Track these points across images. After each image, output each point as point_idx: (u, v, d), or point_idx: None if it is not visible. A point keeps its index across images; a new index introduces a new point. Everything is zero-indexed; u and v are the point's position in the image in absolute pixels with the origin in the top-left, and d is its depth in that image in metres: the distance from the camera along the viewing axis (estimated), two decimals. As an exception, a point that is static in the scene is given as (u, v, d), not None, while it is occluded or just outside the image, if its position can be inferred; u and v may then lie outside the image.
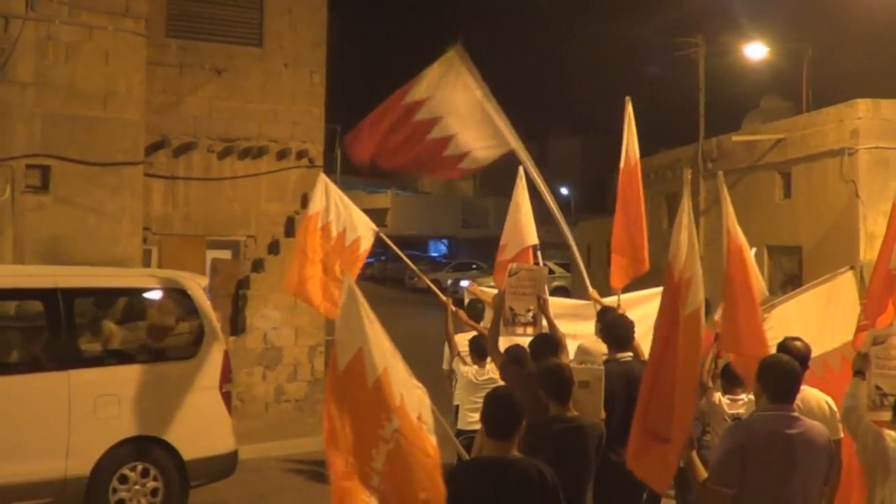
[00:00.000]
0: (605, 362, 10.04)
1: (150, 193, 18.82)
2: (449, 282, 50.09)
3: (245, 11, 20.34)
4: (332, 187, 12.49)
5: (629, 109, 13.77)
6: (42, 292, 12.65)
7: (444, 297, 13.06)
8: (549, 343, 10.30)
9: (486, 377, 12.39)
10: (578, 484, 8.00)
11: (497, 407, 6.99)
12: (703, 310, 7.66)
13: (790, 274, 22.57)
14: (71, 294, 12.71)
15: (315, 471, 16.35)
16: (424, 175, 15.66)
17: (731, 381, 9.35)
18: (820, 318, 11.77)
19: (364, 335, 6.96)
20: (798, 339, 9.17)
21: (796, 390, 7.20)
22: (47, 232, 16.28)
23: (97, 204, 16.72)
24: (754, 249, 11.06)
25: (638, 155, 13.66)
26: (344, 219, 12.22)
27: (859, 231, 19.55)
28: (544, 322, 11.31)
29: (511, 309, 11.28)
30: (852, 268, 12.38)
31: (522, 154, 13.13)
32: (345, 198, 12.52)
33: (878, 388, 8.17)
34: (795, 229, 22.19)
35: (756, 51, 36.27)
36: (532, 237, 14.13)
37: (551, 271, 41.56)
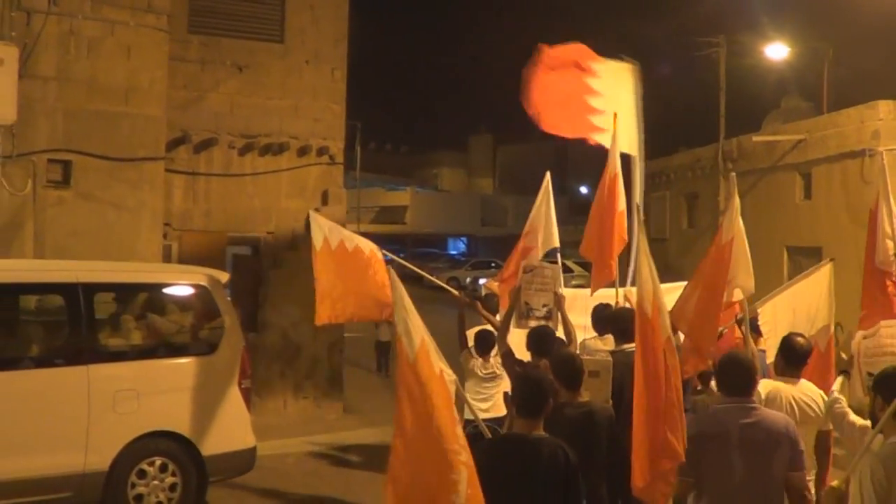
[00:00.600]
0: (613, 353, 10.47)
1: (171, 189, 18.87)
2: (468, 280, 50.12)
3: (267, 7, 20.37)
4: (324, 220, 13.19)
5: (615, 124, 14.43)
6: (63, 287, 12.69)
7: (456, 293, 13.74)
8: (547, 335, 10.85)
9: (489, 370, 13.14)
10: (592, 464, 8.50)
11: (528, 387, 7.56)
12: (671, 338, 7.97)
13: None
14: (91, 289, 12.75)
15: (333, 466, 16.39)
16: (565, 131, 15.35)
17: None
18: (806, 306, 12.72)
19: (421, 328, 7.28)
20: (800, 335, 9.62)
21: (752, 384, 7.68)
22: (68, 227, 16.32)
23: (118, 199, 16.76)
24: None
25: (619, 167, 14.14)
26: (349, 236, 12.76)
27: (880, 232, 19.48)
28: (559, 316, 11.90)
29: (526, 303, 11.91)
30: (832, 260, 13.00)
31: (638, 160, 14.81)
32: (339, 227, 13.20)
33: (869, 374, 8.84)
34: (815, 230, 22.13)
35: (777, 51, 36.18)
36: (554, 240, 14.61)
37: (570, 269, 41.72)
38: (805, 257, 22.85)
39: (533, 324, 11.69)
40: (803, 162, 23.04)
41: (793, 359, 9.18)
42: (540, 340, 10.66)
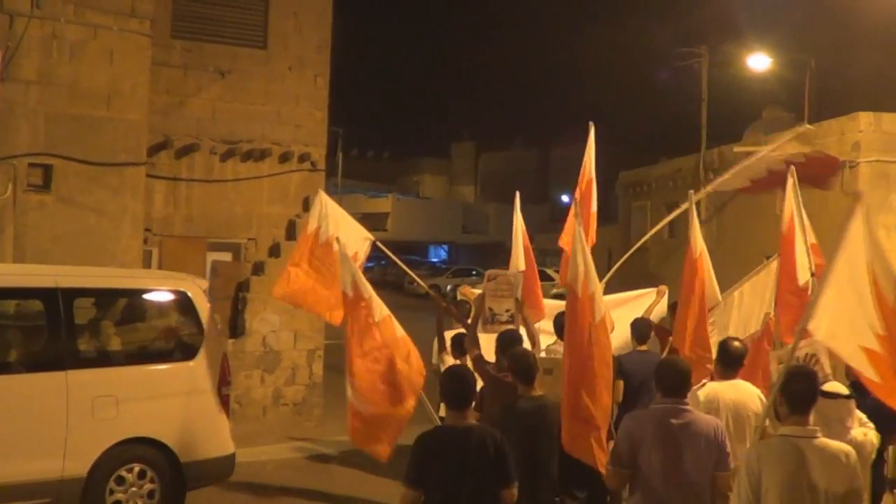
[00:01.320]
0: (630, 353, 12.49)
1: (152, 194, 18.83)
2: (449, 287, 50.10)
3: (250, 13, 20.37)
4: (331, 202, 13.26)
5: (592, 134, 14.93)
6: (42, 292, 12.63)
7: (434, 295, 14.51)
8: (515, 338, 11.48)
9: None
10: (543, 451, 9.56)
11: (454, 382, 8.37)
12: (608, 317, 8.95)
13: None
14: (71, 294, 12.69)
15: (313, 475, 16.36)
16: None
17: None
18: (750, 303, 13.32)
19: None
20: (736, 339, 10.42)
21: (686, 387, 8.27)
22: (48, 231, 16.28)
23: (98, 204, 16.73)
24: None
25: (593, 174, 14.75)
26: (343, 234, 12.43)
27: (860, 244, 19.53)
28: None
29: (490, 309, 12.90)
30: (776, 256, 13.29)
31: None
32: (340, 211, 13.35)
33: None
34: (796, 241, 22.18)
35: (759, 62, 36.28)
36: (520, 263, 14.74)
37: (551, 278, 41.71)
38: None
39: (496, 328, 12.42)
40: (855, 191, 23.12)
41: (728, 362, 9.77)
42: (507, 343, 11.20)
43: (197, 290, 13.60)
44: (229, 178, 20.00)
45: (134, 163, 17.21)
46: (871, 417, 9.19)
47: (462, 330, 13.56)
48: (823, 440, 7.02)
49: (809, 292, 11.26)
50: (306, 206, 20.60)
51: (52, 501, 12.27)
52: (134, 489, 12.67)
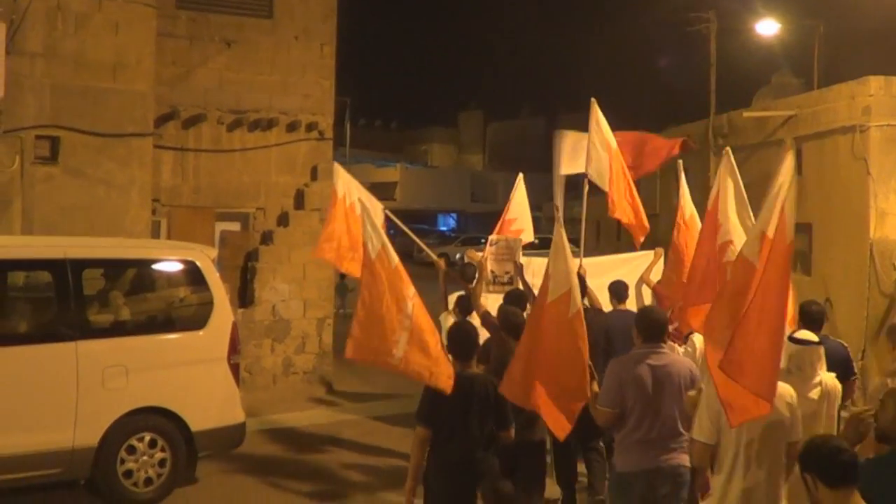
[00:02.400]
0: (611, 312, 13.51)
1: (160, 165, 18.81)
2: (458, 255, 49.97)
3: (255, -17, 20.31)
4: (346, 173, 14.12)
5: (595, 109, 15.04)
6: (51, 263, 12.65)
7: (435, 258, 15.28)
8: (520, 296, 12.75)
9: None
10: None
11: (460, 335, 9.69)
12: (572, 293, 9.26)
13: (799, 250, 22.49)
14: (79, 265, 12.70)
15: (323, 444, 16.39)
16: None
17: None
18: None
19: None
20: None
21: (662, 334, 9.26)
22: (56, 203, 16.29)
23: (106, 175, 16.73)
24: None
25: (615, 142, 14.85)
26: (362, 199, 12.75)
27: (870, 208, 19.44)
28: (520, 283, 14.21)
29: (493, 272, 14.41)
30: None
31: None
32: (356, 182, 14.15)
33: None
34: (805, 206, 22.06)
35: (767, 27, 36.13)
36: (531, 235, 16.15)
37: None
38: (795, 233, 22.80)
39: (498, 289, 13.93)
40: (794, 138, 22.99)
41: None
42: (514, 300, 12.39)
43: (206, 260, 13.60)
44: (237, 147, 19.98)
45: (141, 134, 17.20)
46: None
47: (463, 293, 14.11)
48: (779, 384, 7.95)
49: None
50: (314, 175, 20.59)
51: (64, 471, 12.35)
52: (145, 458, 12.71)
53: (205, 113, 19.46)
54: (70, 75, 16.54)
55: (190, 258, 13.57)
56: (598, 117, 14.98)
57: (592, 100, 14.97)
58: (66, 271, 12.48)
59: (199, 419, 13.06)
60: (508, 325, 11.17)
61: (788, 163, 8.52)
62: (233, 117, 19.79)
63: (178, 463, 12.98)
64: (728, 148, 12.77)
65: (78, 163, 16.53)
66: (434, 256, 15.51)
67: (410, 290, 9.83)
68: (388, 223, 14.77)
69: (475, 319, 12.62)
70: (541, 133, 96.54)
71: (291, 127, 20.40)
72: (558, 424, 9.25)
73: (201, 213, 19.53)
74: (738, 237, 11.22)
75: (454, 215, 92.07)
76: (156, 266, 14.12)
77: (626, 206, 14.55)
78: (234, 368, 13.54)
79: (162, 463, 12.85)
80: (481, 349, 11.24)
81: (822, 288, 20.74)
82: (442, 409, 9.20)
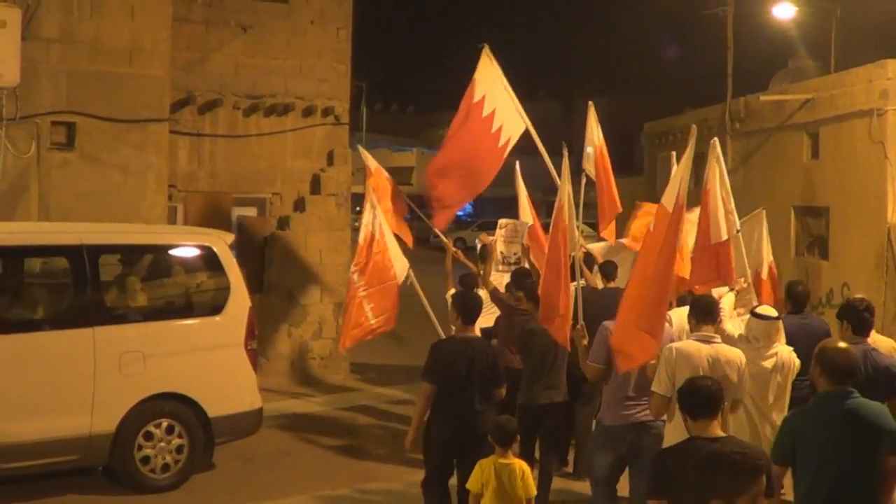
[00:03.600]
0: (603, 290, 14.29)
1: (176, 150, 18.79)
2: (479, 244, 49.52)
3: (270, -33, 20.26)
4: (369, 156, 15.57)
5: (592, 111, 15.76)
6: (68, 249, 12.67)
7: (445, 240, 16.17)
8: (525, 273, 13.99)
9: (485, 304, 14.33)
10: (558, 364, 12.08)
11: (466, 302, 11.16)
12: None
13: (817, 235, 22.42)
14: (96, 251, 12.73)
15: (339, 430, 16.41)
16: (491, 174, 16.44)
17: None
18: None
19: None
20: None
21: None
22: (73, 189, 16.29)
23: (122, 161, 16.73)
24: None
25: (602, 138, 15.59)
26: (391, 242, 14.65)
27: (887, 192, 19.34)
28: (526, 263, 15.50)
29: (502, 253, 15.79)
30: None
31: (534, 134, 15.29)
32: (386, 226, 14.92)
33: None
34: (823, 190, 22.00)
35: (784, 10, 35.94)
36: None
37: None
38: (813, 217, 22.73)
39: (507, 269, 15.27)
40: (811, 121, 22.84)
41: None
42: (520, 277, 13.77)
43: (222, 245, 13.62)
44: (253, 133, 19.94)
45: (157, 119, 17.18)
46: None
47: (467, 272, 15.71)
48: (722, 345, 9.58)
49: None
50: (330, 160, 20.57)
51: (81, 458, 12.40)
52: (162, 444, 12.76)
53: (221, 98, 19.43)
54: (86, 61, 16.53)
55: (206, 244, 13.59)
56: (594, 119, 15.64)
57: (590, 103, 15.69)
58: (82, 257, 12.51)
59: (216, 405, 13.10)
60: (534, 295, 12.23)
61: (690, 147, 10.36)
62: (249, 102, 19.77)
63: (195, 449, 13.02)
64: (715, 139, 13.14)
65: (94, 149, 16.53)
66: (444, 238, 16.23)
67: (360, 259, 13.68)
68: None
69: (484, 294, 13.99)
70: (556, 116, 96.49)
71: (307, 112, 20.37)
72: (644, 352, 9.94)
73: (217, 199, 19.53)
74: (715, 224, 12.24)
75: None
76: (172, 252, 14.13)
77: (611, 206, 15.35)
78: (251, 354, 13.57)
79: (179, 449, 12.89)
80: (494, 324, 14.08)
81: (840, 272, 20.68)
82: (446, 367, 10.46)
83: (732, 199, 12.88)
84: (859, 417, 7.52)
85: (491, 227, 17.15)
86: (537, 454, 12.15)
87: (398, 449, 14.61)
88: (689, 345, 9.53)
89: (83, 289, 12.61)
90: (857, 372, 8.04)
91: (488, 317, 13.78)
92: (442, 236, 16.29)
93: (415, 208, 16.44)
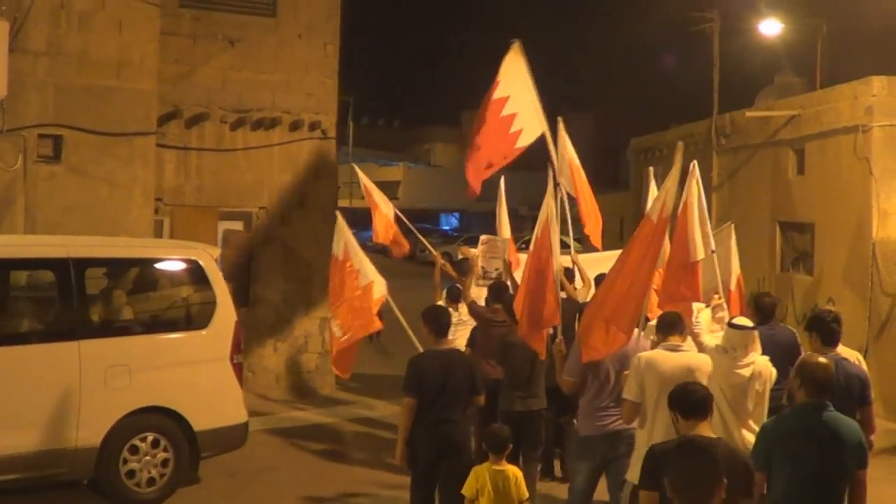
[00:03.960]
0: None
1: (163, 164, 18.79)
2: (460, 256, 49.71)
3: (258, -19, 20.27)
4: (346, 228, 14.37)
5: (562, 129, 15.21)
6: (53, 262, 12.66)
7: (436, 253, 17.21)
8: (502, 287, 14.45)
9: (457, 318, 15.31)
10: (536, 373, 12.65)
11: (436, 316, 11.32)
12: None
13: (802, 250, 22.51)
14: (82, 264, 12.72)
15: (325, 443, 16.42)
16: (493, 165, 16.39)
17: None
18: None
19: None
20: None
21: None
22: (59, 202, 16.28)
23: (109, 174, 16.72)
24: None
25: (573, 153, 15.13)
26: (359, 260, 14.00)
27: (872, 208, 19.43)
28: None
29: (483, 268, 16.12)
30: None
31: (549, 140, 14.75)
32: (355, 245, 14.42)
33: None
34: (808, 206, 22.08)
35: (770, 27, 36.08)
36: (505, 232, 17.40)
37: (566, 245, 41.74)
38: (798, 233, 22.82)
39: (485, 283, 15.55)
40: (796, 137, 22.94)
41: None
42: (497, 291, 14.32)
43: (209, 259, 13.62)
44: (240, 147, 19.95)
45: (144, 132, 17.18)
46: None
47: (453, 285, 16.49)
48: (689, 353, 10.11)
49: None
50: (317, 174, 20.58)
51: (67, 471, 12.38)
52: (148, 458, 12.75)
53: (208, 112, 19.44)
54: (73, 74, 16.53)
55: (193, 257, 13.59)
56: (564, 135, 15.23)
57: (559, 118, 15.15)
58: (68, 270, 12.50)
59: (201, 419, 13.09)
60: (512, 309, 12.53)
61: (677, 162, 10.77)
62: (236, 116, 19.77)
63: (180, 463, 13.01)
64: (694, 162, 13.12)
65: (81, 162, 16.52)
66: (435, 252, 17.24)
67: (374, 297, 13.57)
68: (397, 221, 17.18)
69: (464, 308, 15.31)
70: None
71: (294, 126, 20.38)
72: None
73: (204, 213, 19.51)
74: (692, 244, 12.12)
75: (457, 214, 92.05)
76: (158, 265, 14.14)
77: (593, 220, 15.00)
78: (237, 368, 13.57)
79: (165, 463, 12.88)
80: (470, 335, 14.72)
81: (825, 288, 20.75)
82: (424, 379, 10.78)
83: (709, 222, 13.34)
84: (833, 431, 7.86)
85: (476, 242, 17.30)
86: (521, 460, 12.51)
87: (384, 463, 14.65)
88: (658, 354, 10.00)
89: (69, 302, 12.60)
90: (834, 386, 8.37)
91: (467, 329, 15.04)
92: (430, 247, 17.63)
93: (406, 221, 17.26)
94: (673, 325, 10.25)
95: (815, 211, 21.57)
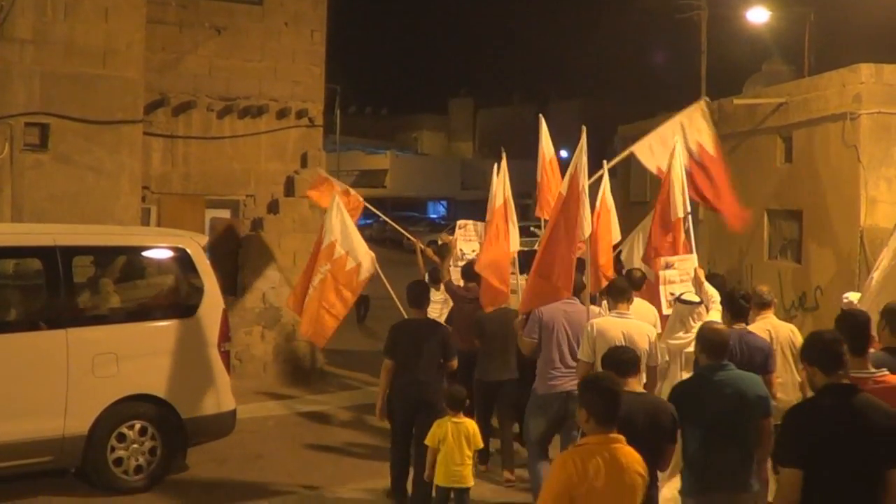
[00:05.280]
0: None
1: (150, 152, 18.75)
2: (440, 242, 49.31)
3: (244, -32, 20.22)
4: (344, 210, 15.84)
5: (544, 125, 16.66)
6: (41, 250, 12.63)
7: (414, 240, 18.91)
8: (473, 268, 15.16)
9: (438, 297, 16.52)
10: (510, 345, 13.59)
11: (417, 290, 12.95)
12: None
13: (790, 238, 22.50)
14: (70, 252, 12.68)
15: (313, 430, 16.40)
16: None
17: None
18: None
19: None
20: (638, 269, 14.29)
21: (577, 291, 12.38)
22: (46, 190, 16.25)
23: (96, 162, 16.68)
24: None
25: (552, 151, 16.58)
26: (349, 242, 15.40)
27: (860, 196, 19.42)
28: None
29: (461, 250, 17.37)
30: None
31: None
32: (349, 221, 15.82)
33: (671, 293, 12.92)
34: (796, 193, 22.06)
35: (758, 15, 36.10)
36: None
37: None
38: (785, 220, 22.80)
39: (464, 264, 16.36)
40: (784, 125, 22.91)
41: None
42: (469, 270, 15.41)
43: (196, 247, 13.59)
44: (227, 135, 19.91)
45: (131, 120, 17.14)
46: None
47: (435, 267, 17.53)
48: (634, 321, 11.36)
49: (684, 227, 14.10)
50: (304, 162, 20.56)
51: (54, 459, 12.36)
52: (135, 446, 12.73)
53: (195, 100, 19.40)
54: (59, 62, 16.48)
55: (180, 245, 13.56)
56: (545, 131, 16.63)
57: (540, 115, 16.57)
58: (55, 259, 12.46)
59: (189, 407, 13.08)
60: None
61: (582, 143, 12.31)
62: (223, 104, 19.74)
63: (168, 451, 13.01)
64: (677, 137, 15.06)
65: (67, 150, 16.48)
66: (413, 239, 19.10)
67: (324, 267, 15.09)
68: (368, 213, 18.59)
69: (441, 288, 16.66)
70: (531, 120, 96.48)
71: (281, 114, 20.35)
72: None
73: (191, 201, 19.48)
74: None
75: (444, 203, 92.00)
76: (146, 253, 14.13)
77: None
78: (225, 356, 13.57)
79: (152, 451, 12.87)
80: (448, 312, 16.31)
81: (813, 275, 20.75)
82: (400, 344, 12.31)
83: (687, 186, 14.51)
84: (735, 386, 8.73)
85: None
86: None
87: (372, 450, 14.67)
88: (606, 321, 11.38)
89: (56, 290, 12.58)
90: (729, 347, 9.21)
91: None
92: (408, 235, 19.95)
93: (381, 214, 17.53)
94: (622, 293, 11.69)
95: (802, 198, 21.57)
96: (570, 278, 11.94)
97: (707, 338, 8.99)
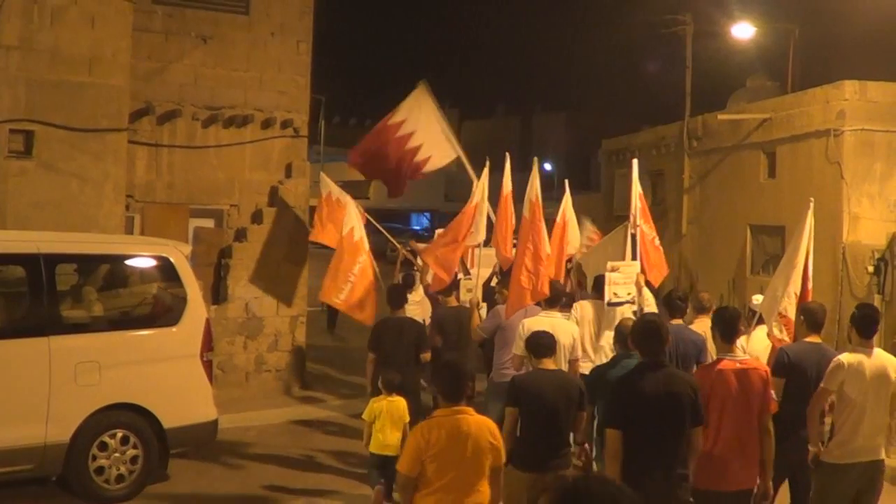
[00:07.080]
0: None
1: (134, 160, 18.71)
2: (409, 247, 49.44)
3: (232, -21, 20.21)
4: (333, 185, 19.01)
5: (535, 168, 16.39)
6: (24, 258, 12.61)
7: (402, 249, 20.36)
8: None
9: (417, 297, 18.37)
10: (464, 338, 15.45)
11: (396, 292, 14.93)
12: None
13: (773, 253, 22.57)
14: (53, 260, 12.68)
15: (295, 441, 16.39)
16: (401, 180, 17.97)
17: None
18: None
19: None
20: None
21: (556, 300, 13.83)
22: (30, 198, 16.22)
23: (80, 170, 16.66)
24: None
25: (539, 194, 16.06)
26: (350, 218, 17.57)
27: (843, 212, 19.55)
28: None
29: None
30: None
31: (465, 161, 20.19)
32: (344, 194, 18.55)
33: (615, 294, 14.68)
34: (779, 209, 22.16)
35: (743, 30, 36.21)
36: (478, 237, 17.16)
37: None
38: (768, 236, 22.90)
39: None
40: (768, 141, 23.04)
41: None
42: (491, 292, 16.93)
43: (179, 256, 13.60)
44: (211, 144, 19.88)
45: (116, 129, 17.13)
46: None
47: (407, 272, 19.47)
48: (559, 320, 13.28)
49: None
50: (288, 172, 20.55)
51: (35, 467, 12.33)
52: (117, 455, 12.72)
53: (180, 108, 19.38)
54: (45, 69, 16.47)
55: (164, 254, 13.56)
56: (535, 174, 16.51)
57: (535, 158, 16.43)
58: (39, 266, 12.46)
59: (171, 416, 13.08)
60: (449, 288, 16.68)
61: (534, 172, 15.00)
62: (208, 113, 19.72)
63: (150, 460, 12.99)
64: (634, 160, 16.64)
65: (52, 157, 16.46)
66: (401, 248, 20.47)
67: (361, 257, 17.00)
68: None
69: (418, 291, 18.73)
70: (515, 132, 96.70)
71: (266, 124, 20.34)
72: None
73: (175, 210, 19.45)
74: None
75: (427, 214, 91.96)
76: (129, 262, 14.12)
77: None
78: (207, 365, 13.56)
79: (134, 460, 12.86)
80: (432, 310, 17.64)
81: (795, 291, 20.80)
82: (382, 339, 14.00)
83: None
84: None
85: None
86: None
87: (353, 461, 14.66)
88: (535, 320, 13.03)
89: (39, 298, 12.56)
90: (662, 337, 9.54)
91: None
92: (393, 240, 21.02)
93: (373, 221, 18.42)
94: (555, 300, 13.78)
95: (785, 214, 21.66)
96: (541, 284, 14.00)
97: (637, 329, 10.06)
